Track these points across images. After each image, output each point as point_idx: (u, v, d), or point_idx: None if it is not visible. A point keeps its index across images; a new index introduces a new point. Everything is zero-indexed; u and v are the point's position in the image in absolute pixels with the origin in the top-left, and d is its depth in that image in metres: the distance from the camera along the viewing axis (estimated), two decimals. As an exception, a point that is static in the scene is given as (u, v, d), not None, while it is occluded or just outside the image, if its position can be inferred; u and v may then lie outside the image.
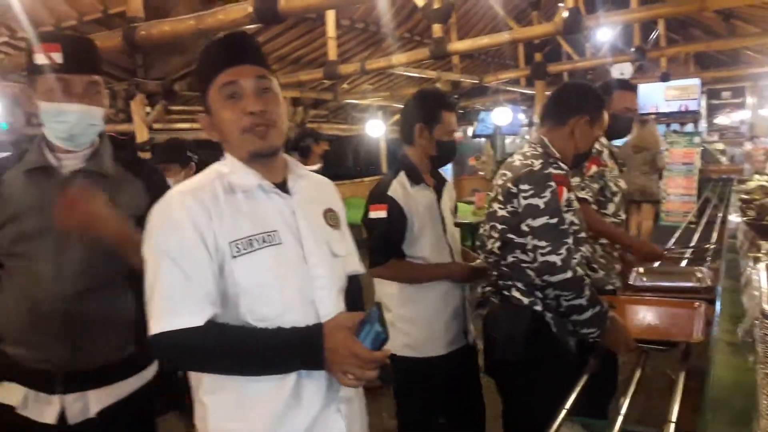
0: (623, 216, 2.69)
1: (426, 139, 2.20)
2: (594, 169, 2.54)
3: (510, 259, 1.94)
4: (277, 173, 1.27)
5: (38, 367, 1.49)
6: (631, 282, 2.64)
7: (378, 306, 1.13)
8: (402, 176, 2.18)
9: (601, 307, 1.84)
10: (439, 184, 2.27)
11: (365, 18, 7.38)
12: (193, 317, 1.10)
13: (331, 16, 5.69)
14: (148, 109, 6.44)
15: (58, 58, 1.47)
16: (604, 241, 2.53)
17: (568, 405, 1.60)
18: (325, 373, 1.18)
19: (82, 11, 5.28)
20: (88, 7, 5.24)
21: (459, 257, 2.30)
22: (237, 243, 1.15)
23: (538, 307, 1.91)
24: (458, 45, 5.47)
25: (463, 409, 2.30)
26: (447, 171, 11.68)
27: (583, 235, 2.00)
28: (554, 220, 1.82)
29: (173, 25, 3.54)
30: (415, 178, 2.19)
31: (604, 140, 2.61)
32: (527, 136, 10.25)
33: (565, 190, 1.87)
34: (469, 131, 12.56)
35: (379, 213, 2.14)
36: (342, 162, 12.31)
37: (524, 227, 1.87)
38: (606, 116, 2.13)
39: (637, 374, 1.77)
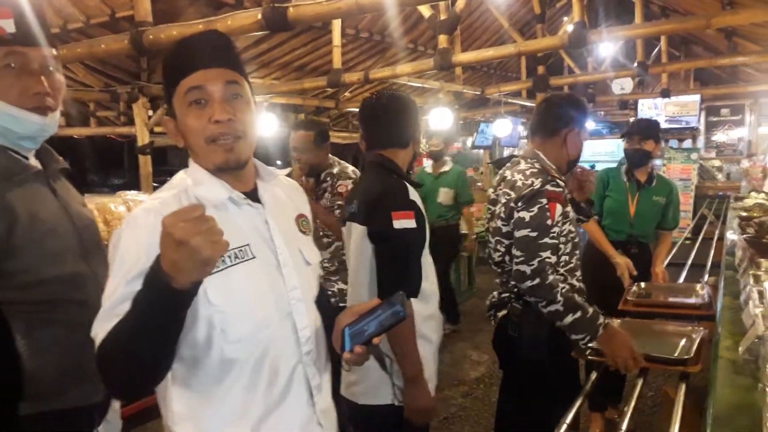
0: None
1: (418, 143, 2.03)
2: None
3: None
4: (247, 181, 1.20)
5: (85, 405, 1.32)
6: (629, 297, 2.65)
7: (402, 294, 1.12)
8: (401, 180, 1.91)
9: (585, 314, 1.88)
10: None
11: (370, 27, 7.42)
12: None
13: (337, 24, 5.72)
14: (150, 112, 6.47)
15: (9, 26, 1.18)
16: None
17: (568, 420, 1.61)
18: (306, 387, 1.19)
19: (90, 14, 5.30)
20: (96, 10, 5.26)
21: None
22: None
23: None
24: (463, 56, 5.50)
25: None
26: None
27: (578, 240, 2.11)
28: (534, 234, 1.91)
29: (181, 30, 3.56)
30: (413, 184, 1.93)
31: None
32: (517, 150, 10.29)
33: (558, 206, 1.95)
34: (469, 142, 12.62)
35: (407, 222, 1.76)
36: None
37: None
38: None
39: (636, 390, 1.79)
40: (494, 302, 2.20)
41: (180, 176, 1.19)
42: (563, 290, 1.89)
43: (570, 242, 2.05)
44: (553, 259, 1.93)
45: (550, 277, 1.88)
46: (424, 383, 1.83)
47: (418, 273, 1.83)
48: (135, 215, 1.10)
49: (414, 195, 1.87)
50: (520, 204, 1.97)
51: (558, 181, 2.02)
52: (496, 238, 2.11)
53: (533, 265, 1.89)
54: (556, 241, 1.95)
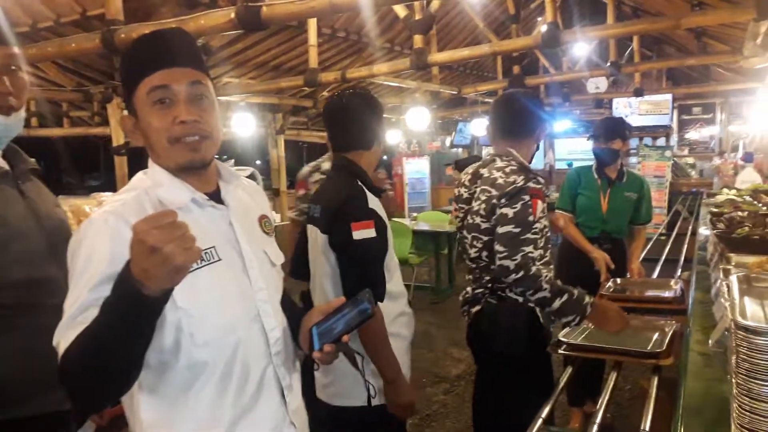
0: None
1: (381, 144, 2.01)
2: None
3: None
4: (209, 182, 1.18)
5: (57, 410, 1.28)
6: (603, 291, 2.69)
7: (368, 291, 1.13)
8: (363, 186, 1.87)
9: (571, 296, 1.93)
10: None
11: (347, 27, 7.41)
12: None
13: (312, 24, 5.69)
14: (125, 112, 6.37)
15: None
16: None
17: (544, 414, 1.62)
18: (277, 388, 1.18)
19: (60, 12, 5.21)
20: (66, 9, 5.17)
21: None
22: None
23: (531, 304, 2.01)
24: (438, 56, 5.51)
25: None
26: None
27: (550, 234, 2.16)
28: (518, 230, 1.94)
29: (153, 29, 3.51)
30: (374, 190, 1.89)
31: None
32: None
33: (539, 202, 1.99)
34: (447, 141, 12.69)
35: (366, 232, 1.76)
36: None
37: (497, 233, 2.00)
38: None
39: (611, 383, 1.81)
40: (468, 298, 2.22)
41: (139, 177, 1.16)
42: (547, 278, 1.93)
43: (545, 236, 2.08)
44: (535, 253, 1.96)
45: (533, 268, 1.92)
46: (404, 381, 1.85)
47: (381, 279, 1.82)
48: (95, 219, 1.06)
49: (374, 202, 1.84)
50: (503, 201, 1.98)
51: (538, 178, 2.05)
52: (473, 234, 2.13)
53: (516, 259, 1.92)
54: (537, 236, 1.98)
